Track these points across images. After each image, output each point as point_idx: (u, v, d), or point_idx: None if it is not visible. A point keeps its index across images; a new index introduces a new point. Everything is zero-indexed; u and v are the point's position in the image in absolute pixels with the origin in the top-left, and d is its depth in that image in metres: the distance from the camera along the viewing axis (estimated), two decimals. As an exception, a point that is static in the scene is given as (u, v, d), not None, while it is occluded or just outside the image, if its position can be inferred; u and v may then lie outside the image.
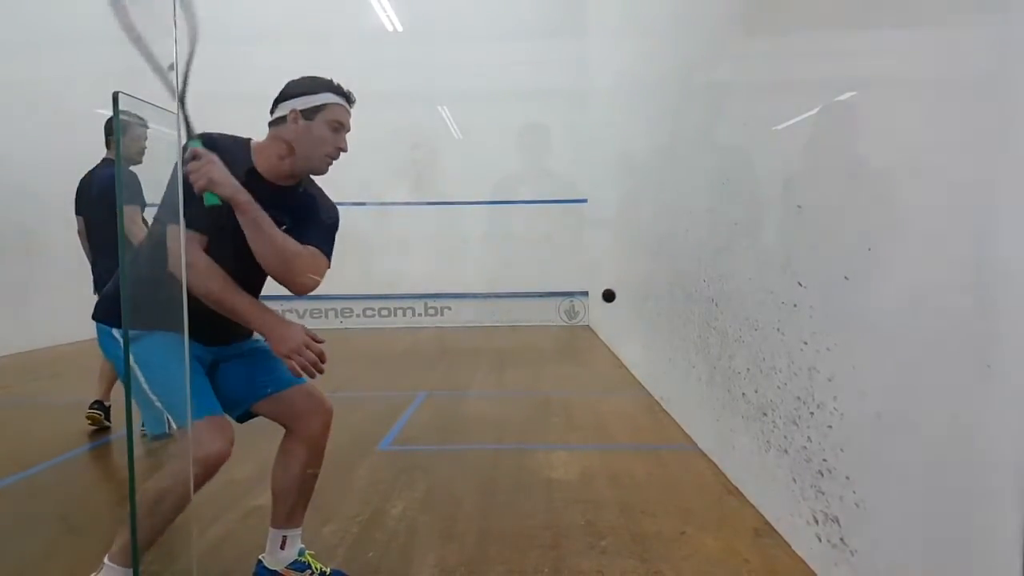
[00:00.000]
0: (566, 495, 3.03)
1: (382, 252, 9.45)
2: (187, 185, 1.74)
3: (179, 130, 1.70)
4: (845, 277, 2.04)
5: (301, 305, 9.17)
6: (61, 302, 6.61)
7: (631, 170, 6.07)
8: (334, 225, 2.11)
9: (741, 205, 3.06)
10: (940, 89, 1.68)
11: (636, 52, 5.74)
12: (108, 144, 4.04)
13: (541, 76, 9.44)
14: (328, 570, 2.21)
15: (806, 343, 2.33)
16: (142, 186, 3.37)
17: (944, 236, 1.61)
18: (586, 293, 9.71)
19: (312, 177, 2.13)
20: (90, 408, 4.09)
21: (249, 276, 1.96)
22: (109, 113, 1.32)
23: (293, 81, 2.02)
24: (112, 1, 1.54)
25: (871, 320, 1.92)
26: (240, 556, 2.38)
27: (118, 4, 1.55)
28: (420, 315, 10.13)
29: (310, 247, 1.99)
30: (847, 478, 2.06)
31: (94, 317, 2.03)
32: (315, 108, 1.97)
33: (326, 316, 9.64)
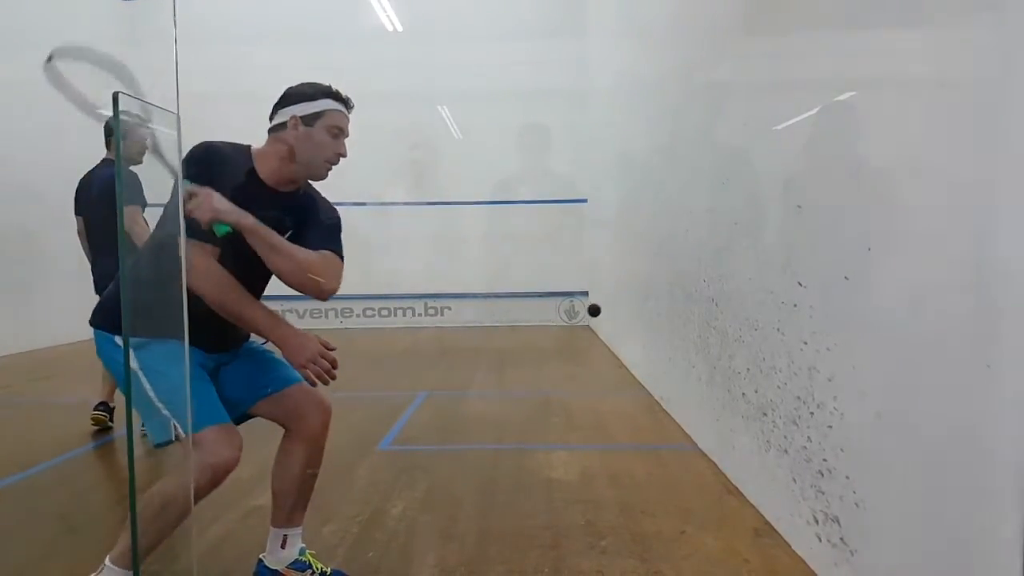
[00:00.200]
0: (566, 495, 3.03)
1: (382, 252, 9.44)
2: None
3: (179, 131, 1.70)
4: (845, 277, 2.05)
5: (301, 305, 9.17)
6: (61, 302, 6.60)
7: (631, 170, 6.07)
8: (338, 225, 2.14)
9: (741, 205, 3.06)
10: (940, 89, 1.68)
11: (636, 52, 5.74)
12: (108, 144, 4.04)
13: (541, 76, 9.44)
14: (328, 570, 2.21)
15: (806, 343, 2.33)
16: (142, 186, 3.38)
17: (944, 236, 1.61)
18: (586, 293, 9.71)
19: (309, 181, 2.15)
20: (95, 410, 4.10)
21: (255, 281, 2.00)
22: (109, 113, 1.32)
23: (292, 87, 2.04)
24: (46, 67, 1.61)
25: (871, 320, 1.92)
26: (240, 556, 2.39)
27: (52, 73, 1.62)
28: (420, 315, 10.13)
29: (323, 252, 2.02)
30: (847, 478, 2.06)
31: (92, 324, 2.01)
32: (315, 115, 1.99)
33: (326, 316, 9.64)
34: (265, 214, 1.95)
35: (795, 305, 2.41)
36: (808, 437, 2.32)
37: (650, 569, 2.33)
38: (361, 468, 3.42)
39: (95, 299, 2.66)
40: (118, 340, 1.96)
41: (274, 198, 2.02)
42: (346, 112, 2.05)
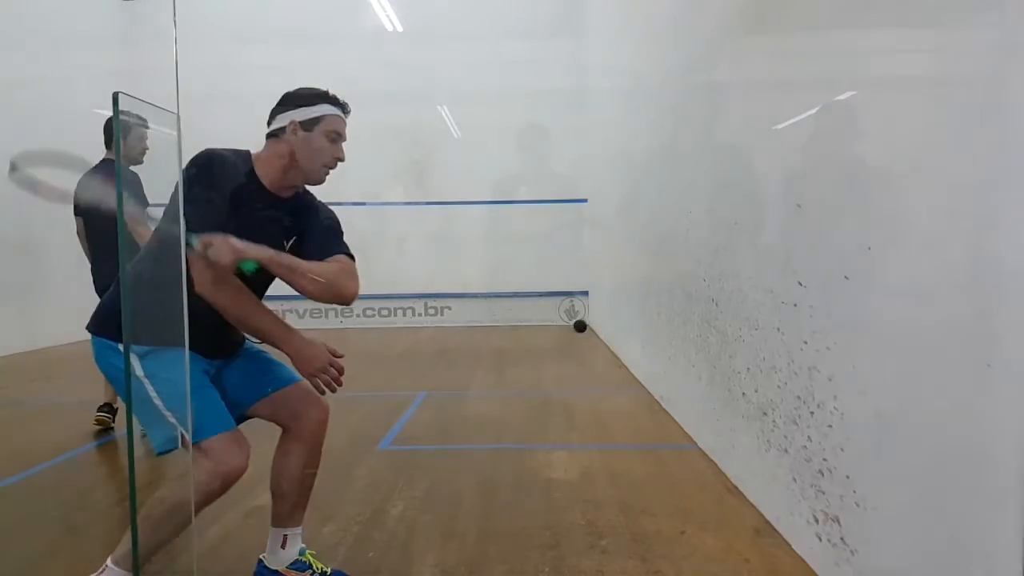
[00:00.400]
0: (566, 495, 3.03)
1: (382, 252, 9.43)
2: (191, 206, 1.76)
3: (179, 131, 1.70)
4: (845, 277, 2.05)
5: (301, 305, 9.16)
6: (61, 302, 6.61)
7: (631, 170, 6.07)
8: (339, 225, 2.17)
9: (741, 205, 3.06)
10: (940, 88, 1.68)
11: (636, 52, 5.74)
12: (108, 145, 4.03)
13: (541, 76, 9.44)
14: (329, 570, 2.21)
15: (806, 342, 2.33)
16: (143, 185, 3.37)
17: (944, 236, 1.61)
18: (586, 293, 9.71)
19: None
20: (99, 411, 4.10)
21: (258, 289, 2.03)
22: (109, 113, 1.32)
23: (290, 92, 2.06)
24: (11, 176, 1.66)
25: (871, 320, 1.93)
26: (240, 556, 2.39)
27: (19, 177, 1.67)
28: (420, 315, 10.13)
29: (337, 258, 2.05)
30: (847, 477, 2.06)
31: (91, 331, 1.99)
32: (314, 119, 2.01)
33: (326, 316, 9.64)
34: (268, 216, 1.97)
35: (795, 305, 2.41)
36: (808, 436, 2.32)
37: (650, 569, 2.33)
38: (361, 468, 3.42)
39: (95, 300, 2.66)
40: (121, 347, 1.96)
41: (276, 202, 2.05)
42: (343, 116, 2.08)
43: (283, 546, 2.19)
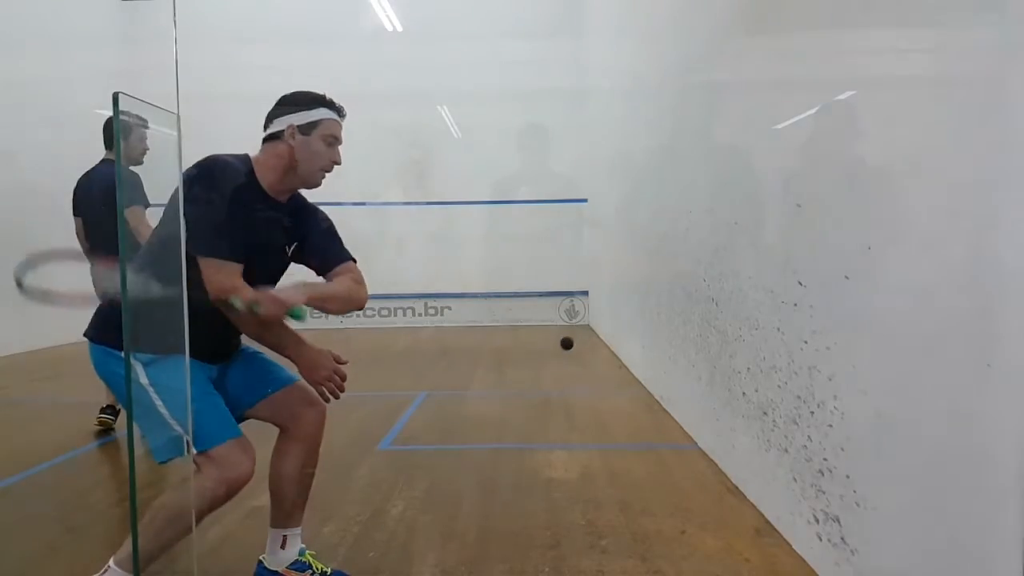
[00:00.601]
0: (566, 495, 3.03)
1: (382, 252, 9.43)
2: (192, 206, 1.77)
3: (179, 131, 1.70)
4: (845, 276, 2.05)
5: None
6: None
7: (631, 170, 6.07)
8: (334, 226, 2.22)
9: (741, 205, 3.06)
10: (940, 88, 1.68)
11: (636, 52, 5.74)
12: (108, 145, 4.02)
13: (541, 76, 9.43)
14: (329, 570, 2.21)
15: (806, 342, 2.33)
16: (143, 186, 3.37)
17: (944, 236, 1.61)
18: (586, 292, 9.71)
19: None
20: (101, 413, 4.09)
21: (272, 283, 2.04)
22: (109, 113, 1.32)
23: (287, 96, 2.07)
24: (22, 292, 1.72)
25: (871, 319, 1.93)
26: (240, 556, 2.39)
27: (32, 293, 1.72)
28: (420, 315, 10.13)
29: (346, 265, 2.14)
30: (847, 477, 2.06)
31: (90, 338, 1.98)
32: (311, 124, 2.03)
33: (326, 316, 9.59)
34: (270, 219, 1.99)
35: (795, 304, 2.41)
36: (808, 436, 2.32)
37: (650, 568, 2.33)
38: (361, 468, 3.42)
39: (95, 301, 2.65)
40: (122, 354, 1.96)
41: (275, 206, 2.07)
42: (340, 120, 2.09)
43: (283, 546, 2.19)
